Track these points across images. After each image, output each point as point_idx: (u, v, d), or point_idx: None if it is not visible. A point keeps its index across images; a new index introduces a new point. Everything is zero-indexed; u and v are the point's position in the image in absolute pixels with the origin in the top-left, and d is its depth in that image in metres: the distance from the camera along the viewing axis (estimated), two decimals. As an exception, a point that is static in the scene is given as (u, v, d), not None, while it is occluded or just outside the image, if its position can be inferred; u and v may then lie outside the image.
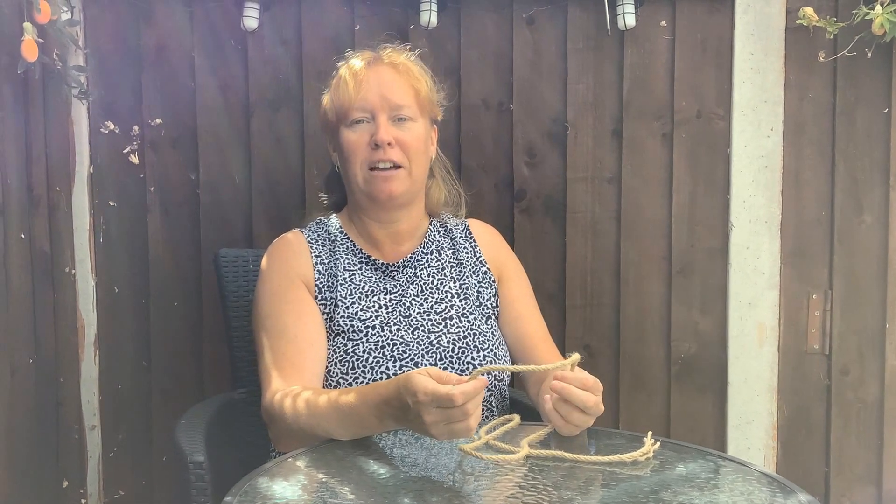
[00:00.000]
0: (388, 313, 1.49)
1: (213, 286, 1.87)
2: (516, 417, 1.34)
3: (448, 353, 1.48)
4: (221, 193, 2.08)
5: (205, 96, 2.07)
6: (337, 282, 1.51)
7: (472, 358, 1.49)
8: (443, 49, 2.07)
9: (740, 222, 2.05)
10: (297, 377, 1.41)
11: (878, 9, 1.88)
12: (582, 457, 1.13)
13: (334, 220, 1.61)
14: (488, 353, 1.52)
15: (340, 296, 1.50)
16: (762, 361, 2.07)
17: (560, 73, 2.07)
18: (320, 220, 1.62)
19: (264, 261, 1.56)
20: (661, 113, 2.06)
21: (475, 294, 1.58)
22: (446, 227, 1.66)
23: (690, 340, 2.09)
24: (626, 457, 1.12)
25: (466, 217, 1.74)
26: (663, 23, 2.04)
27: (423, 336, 1.49)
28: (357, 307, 1.49)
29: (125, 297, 2.10)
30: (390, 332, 1.47)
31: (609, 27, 2.01)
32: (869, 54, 1.95)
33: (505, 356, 1.57)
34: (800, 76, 2.03)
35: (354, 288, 1.51)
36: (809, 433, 2.08)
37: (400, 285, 1.55)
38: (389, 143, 1.49)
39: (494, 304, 1.60)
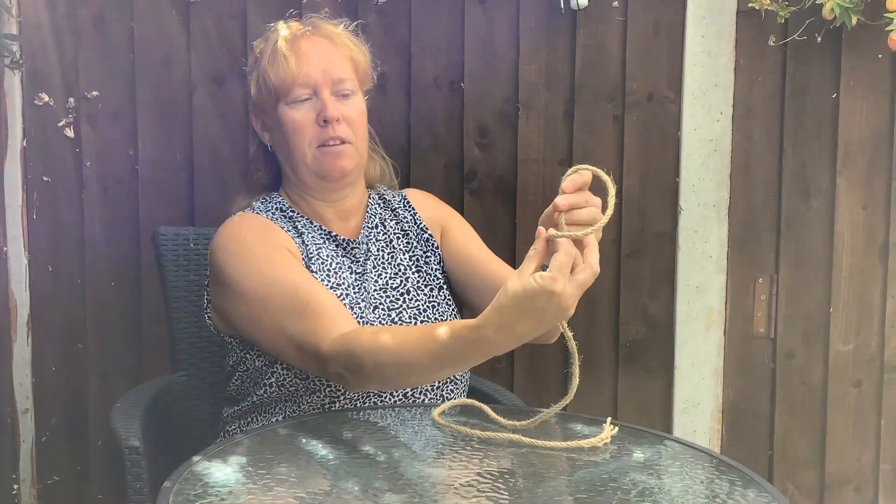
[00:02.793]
0: (354, 293, 1.45)
1: (152, 266, 1.80)
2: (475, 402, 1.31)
3: None
4: (162, 170, 2.01)
5: (145, 69, 2.00)
6: (309, 257, 1.45)
7: None
8: (393, 26, 2.03)
9: (689, 206, 2.05)
10: (345, 319, 1.30)
11: (829, -6, 1.88)
12: (539, 442, 1.11)
13: (279, 199, 1.54)
14: None
15: (314, 271, 1.43)
16: (709, 345, 2.07)
17: (512, 53, 2.04)
18: (264, 199, 1.54)
19: (233, 242, 1.42)
20: (614, 95, 2.04)
21: (424, 263, 1.55)
22: (384, 198, 1.62)
23: (639, 324, 2.08)
24: (585, 443, 1.10)
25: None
26: (616, 3, 2.02)
27: (383, 314, 1.45)
28: (328, 284, 1.43)
29: (60, 277, 2.02)
30: (359, 311, 1.42)
31: (563, 6, 1.98)
32: (819, 39, 1.96)
33: None
34: (750, 60, 2.03)
35: (323, 264, 1.45)
36: (754, 417, 2.09)
37: (360, 263, 1.50)
38: (337, 120, 1.44)
39: (442, 272, 1.57)
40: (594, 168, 1.13)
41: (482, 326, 1.07)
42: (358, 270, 1.48)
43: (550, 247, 1.07)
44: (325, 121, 1.44)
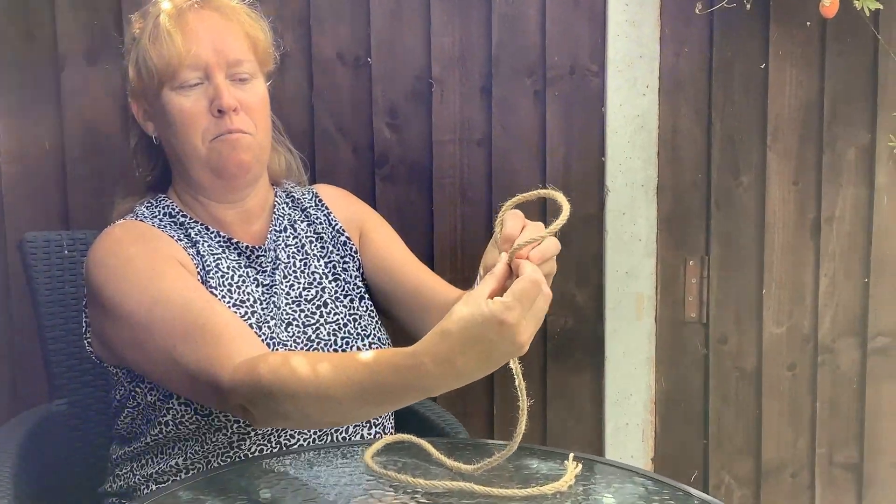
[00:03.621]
0: (262, 309, 1.25)
1: (21, 277, 1.56)
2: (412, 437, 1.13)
3: (329, 347, 1.27)
4: (29, 163, 1.76)
5: (3, 46, 1.73)
6: (206, 270, 1.24)
7: (358, 348, 1.29)
8: (290, -6, 1.82)
9: (616, 186, 1.92)
10: (249, 341, 1.10)
11: (758, -42, 1.77)
12: (496, 491, 0.95)
13: (167, 202, 1.31)
14: (373, 339, 1.32)
15: (212, 286, 1.23)
16: (640, 333, 1.96)
17: (423, 23, 1.85)
18: (150, 202, 1.32)
19: (112, 256, 1.20)
20: (533, 69, 1.89)
21: (342, 270, 1.37)
22: (293, 197, 1.42)
23: (567, 315, 1.95)
24: (548, 489, 0.95)
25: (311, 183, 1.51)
26: (533, -31, 1.86)
27: (298, 332, 1.26)
28: (229, 301, 1.23)
29: (-89, 290, 1.75)
30: (268, 330, 1.23)
31: (478, -28, 1.80)
32: (748, 6, 1.85)
33: (388, 341, 1.37)
34: (676, 30, 1.91)
35: (223, 277, 1.25)
36: (688, 406, 2.00)
37: (267, 273, 1.30)
38: (234, 110, 1.23)
39: (362, 279, 1.39)
40: (543, 192, 0.99)
41: (419, 354, 0.89)
42: (265, 282, 1.28)
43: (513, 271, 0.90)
44: (219, 111, 1.23)
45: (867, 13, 1.77)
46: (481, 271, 1.08)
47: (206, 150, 1.24)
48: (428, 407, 1.60)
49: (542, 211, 1.77)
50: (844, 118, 1.94)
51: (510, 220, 0.99)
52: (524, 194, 1.02)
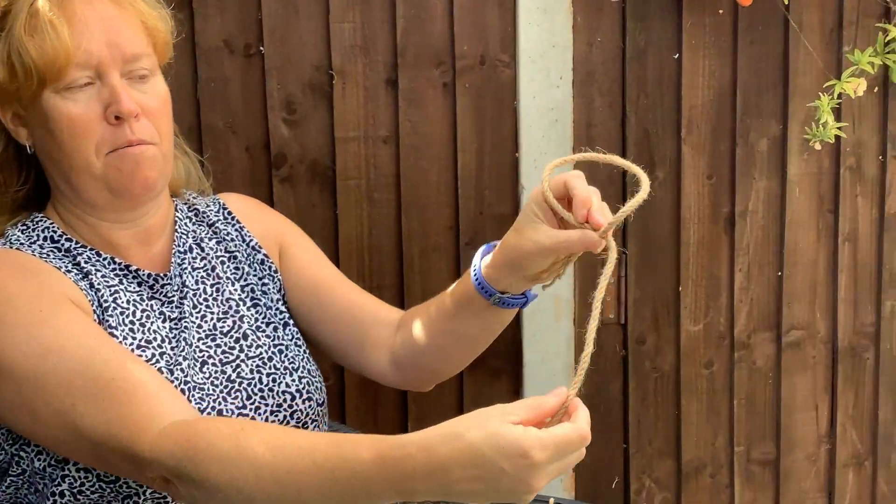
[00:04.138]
0: (172, 348, 1.07)
1: None
2: None
3: (254, 387, 1.10)
4: None
5: None
6: (103, 306, 1.05)
7: (287, 385, 1.14)
8: (169, -25, 1.61)
9: (532, 183, 1.82)
10: (173, 400, 0.94)
11: (674, -57, 1.69)
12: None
13: (47, 223, 1.11)
14: (302, 372, 1.17)
15: (111, 326, 1.04)
16: (559, 337, 1.87)
17: (320, 8, 1.69)
18: (24, 224, 1.11)
19: None
20: (442, 59, 1.75)
21: (261, 294, 1.20)
22: (197, 210, 1.24)
23: (482, 320, 1.84)
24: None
25: (216, 192, 1.34)
26: (439, -49, 1.73)
27: (216, 371, 1.09)
28: (132, 343, 1.04)
29: None
30: (181, 374, 1.04)
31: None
32: (663, -6, 1.77)
33: (318, 373, 1.22)
34: (588, 18, 1.81)
35: (124, 314, 1.06)
36: (608, 410, 1.92)
37: (174, 304, 1.12)
38: (136, 115, 1.04)
39: (285, 302, 1.23)
40: (606, 157, 0.96)
41: (408, 445, 0.79)
42: (173, 315, 1.10)
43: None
44: (116, 117, 1.03)
45: (785, 0, 1.72)
46: (536, 210, 1.00)
47: (101, 164, 1.05)
48: (338, 429, 1.46)
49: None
50: (756, 109, 1.89)
51: (580, 184, 0.95)
52: (570, 157, 0.95)
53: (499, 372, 1.86)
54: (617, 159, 0.99)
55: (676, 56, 1.85)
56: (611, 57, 1.83)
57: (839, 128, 1.78)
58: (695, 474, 1.97)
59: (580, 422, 0.82)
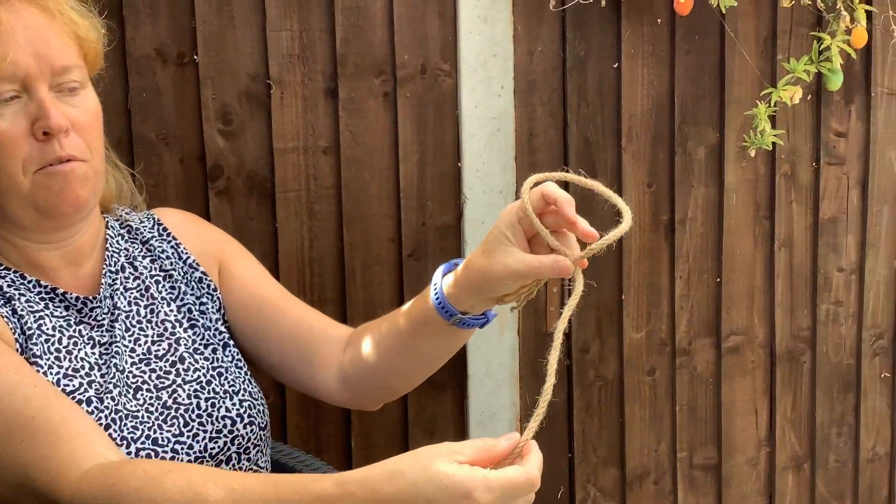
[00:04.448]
0: (102, 376, 1.01)
1: None
2: None
3: (192, 412, 1.05)
4: None
5: None
6: (27, 334, 0.99)
7: (227, 409, 1.09)
8: (97, -20, 1.55)
9: (474, 194, 1.80)
10: (96, 440, 0.88)
11: (613, -47, 1.69)
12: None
13: None
14: (244, 395, 1.12)
15: (35, 355, 0.98)
16: (503, 348, 1.86)
17: (257, 16, 1.64)
18: None
19: None
20: (382, 68, 1.72)
21: (199, 314, 1.15)
22: (129, 226, 1.19)
23: (426, 333, 1.81)
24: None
25: (150, 207, 1.28)
26: (377, -42, 1.70)
27: (150, 398, 1.04)
28: (59, 371, 0.98)
29: None
30: (112, 402, 0.99)
31: (323, -40, 1.61)
32: (602, 2, 1.77)
33: (260, 395, 1.17)
34: (529, 27, 1.80)
35: (49, 342, 1.00)
36: (552, 420, 1.91)
37: (105, 328, 1.06)
38: (66, 131, 0.99)
39: (224, 321, 1.18)
40: (589, 181, 0.94)
41: (348, 483, 0.76)
42: (103, 340, 1.05)
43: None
44: (45, 133, 0.98)
45: (723, 10, 1.74)
46: (506, 232, 0.96)
47: (29, 183, 0.99)
48: (279, 451, 1.42)
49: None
50: (694, 117, 1.91)
51: (559, 190, 0.91)
52: (550, 174, 0.95)
53: (443, 386, 1.84)
54: (598, 186, 0.96)
55: (616, 65, 1.85)
56: (551, 66, 1.83)
57: (776, 135, 1.81)
58: (639, 481, 1.98)
59: (530, 465, 0.79)
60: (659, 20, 1.86)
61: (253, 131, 1.66)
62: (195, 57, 1.61)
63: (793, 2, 1.79)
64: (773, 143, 1.89)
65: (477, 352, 1.84)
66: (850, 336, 2.09)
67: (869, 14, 1.88)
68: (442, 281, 1.06)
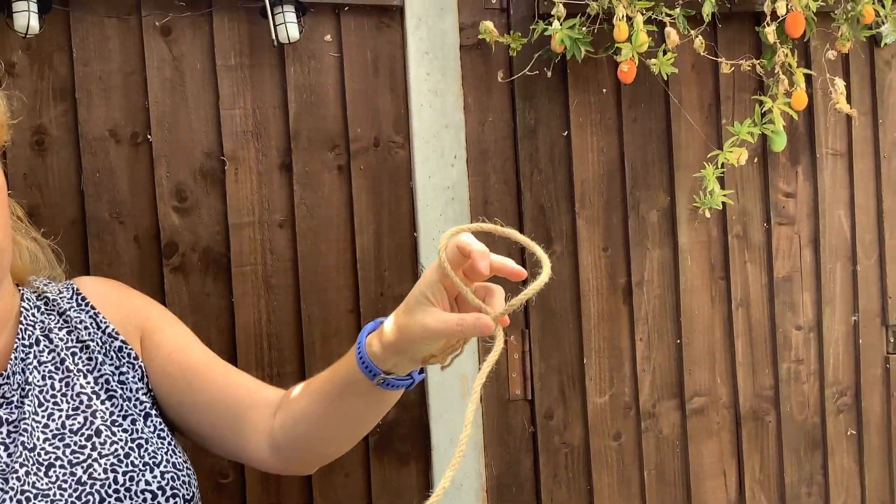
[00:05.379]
0: (7, 455, 0.98)
1: None
2: None
3: (108, 488, 1.03)
4: None
5: None
6: None
7: (147, 483, 1.06)
8: (50, 64, 1.57)
9: (430, 263, 1.81)
10: None
11: (556, 24, 1.75)
12: None
13: None
14: (167, 467, 1.09)
15: None
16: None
17: (209, 96, 1.67)
18: None
19: None
20: (336, 142, 1.75)
21: (118, 385, 1.12)
22: (46, 298, 1.16)
23: (388, 404, 1.79)
24: None
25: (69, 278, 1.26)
26: (328, 37, 1.74)
27: (63, 474, 1.01)
28: None
29: None
30: (17, 482, 0.96)
31: (275, 39, 1.64)
32: (549, 73, 1.82)
33: (186, 465, 1.14)
34: (479, 98, 1.84)
35: None
36: (519, 489, 1.89)
37: (14, 405, 1.04)
38: None
39: (147, 391, 1.15)
40: (505, 230, 0.92)
41: None
42: (11, 418, 1.02)
43: None
44: None
45: (665, 77, 1.79)
46: (426, 292, 0.95)
47: None
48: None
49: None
50: (645, 182, 1.95)
51: (474, 241, 0.88)
52: (466, 225, 0.92)
53: (406, 457, 1.82)
54: (516, 234, 0.95)
55: (566, 133, 1.89)
56: (503, 135, 1.86)
57: (725, 195, 1.85)
58: (610, 550, 1.94)
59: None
60: (604, 90, 1.91)
61: (208, 207, 1.67)
62: (149, 136, 1.63)
63: (733, 68, 1.85)
64: (724, 206, 1.93)
65: (440, 421, 1.82)
66: (813, 394, 2.10)
67: (808, 78, 1.95)
68: (366, 340, 1.04)
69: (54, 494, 0.98)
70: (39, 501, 0.97)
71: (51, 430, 1.04)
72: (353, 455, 1.77)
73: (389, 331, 0.99)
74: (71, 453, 1.03)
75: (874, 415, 2.14)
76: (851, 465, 2.13)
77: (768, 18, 1.81)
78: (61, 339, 1.12)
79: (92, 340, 1.13)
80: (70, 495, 1.00)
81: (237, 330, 1.68)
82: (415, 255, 1.80)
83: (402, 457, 1.81)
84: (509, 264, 0.90)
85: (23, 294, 1.13)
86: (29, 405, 1.04)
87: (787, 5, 1.77)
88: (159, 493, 1.05)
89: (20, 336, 1.09)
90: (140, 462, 1.07)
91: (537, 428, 1.89)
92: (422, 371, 1.09)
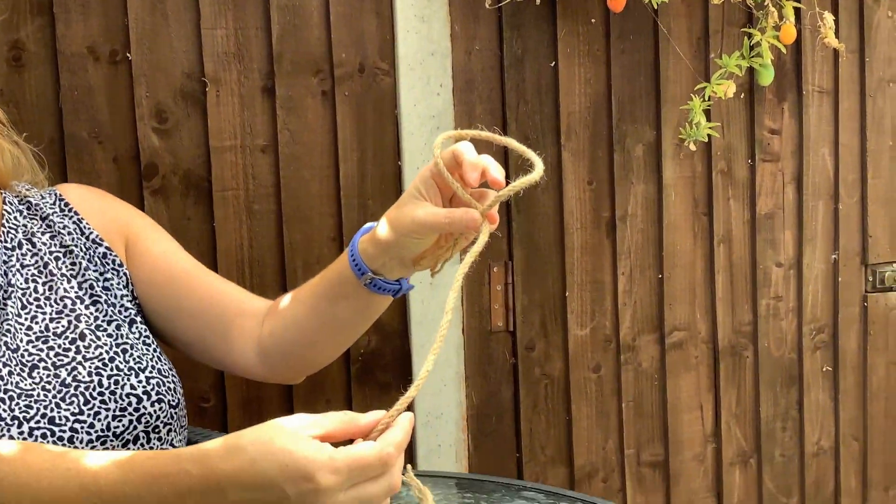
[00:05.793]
0: None
1: None
2: None
3: (93, 390, 1.02)
4: None
5: None
6: None
7: (132, 387, 1.05)
8: (26, -23, 1.53)
9: (415, 192, 1.79)
10: None
11: (547, -49, 1.72)
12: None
13: None
14: (152, 372, 1.08)
15: None
16: (448, 347, 1.84)
17: (191, 14, 1.63)
18: None
19: None
20: (320, 67, 1.72)
21: (102, 290, 1.12)
22: (29, 203, 1.15)
23: (370, 333, 1.79)
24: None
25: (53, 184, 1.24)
26: (313, -43, 1.70)
27: (48, 377, 1.00)
28: None
29: None
30: (1, 381, 0.96)
31: (256, -45, 1.60)
32: (537, 1, 1.79)
33: (171, 371, 1.13)
34: (465, 26, 1.81)
35: None
36: (499, 419, 1.90)
37: None
38: None
39: (132, 298, 1.15)
40: (502, 138, 0.92)
41: (184, 460, 0.70)
42: None
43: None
44: None
45: (655, 6, 1.77)
46: (420, 187, 0.95)
47: None
48: (209, 435, 1.39)
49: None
50: (631, 115, 1.94)
51: (469, 149, 0.89)
52: (461, 131, 0.91)
53: (388, 387, 1.82)
54: (512, 142, 0.96)
55: (553, 64, 1.87)
56: (489, 65, 1.84)
57: (711, 127, 1.84)
58: (587, 480, 1.97)
59: (385, 442, 0.75)
60: (593, 19, 1.89)
61: (189, 129, 1.64)
62: (128, 55, 1.59)
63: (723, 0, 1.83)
64: (710, 141, 1.92)
65: (422, 351, 1.82)
66: (791, 330, 2.12)
67: (798, 12, 1.93)
68: (359, 238, 1.05)
69: (38, 395, 0.98)
70: (23, 400, 0.96)
71: (34, 333, 1.03)
72: (335, 382, 1.78)
73: (381, 227, 1.00)
74: (55, 356, 1.02)
75: (850, 353, 2.17)
76: (827, 401, 2.17)
77: (761, -51, 1.78)
78: (44, 244, 1.11)
79: (76, 246, 1.12)
80: (55, 396, 0.99)
81: (218, 255, 1.66)
82: (399, 183, 1.79)
83: (383, 386, 1.82)
84: (497, 173, 0.89)
85: (5, 198, 1.12)
86: (12, 307, 1.03)
87: (781, -64, 1.74)
88: (144, 397, 1.05)
89: (2, 239, 1.07)
90: (125, 366, 1.06)
91: (518, 359, 1.90)
92: (408, 286, 1.08)
